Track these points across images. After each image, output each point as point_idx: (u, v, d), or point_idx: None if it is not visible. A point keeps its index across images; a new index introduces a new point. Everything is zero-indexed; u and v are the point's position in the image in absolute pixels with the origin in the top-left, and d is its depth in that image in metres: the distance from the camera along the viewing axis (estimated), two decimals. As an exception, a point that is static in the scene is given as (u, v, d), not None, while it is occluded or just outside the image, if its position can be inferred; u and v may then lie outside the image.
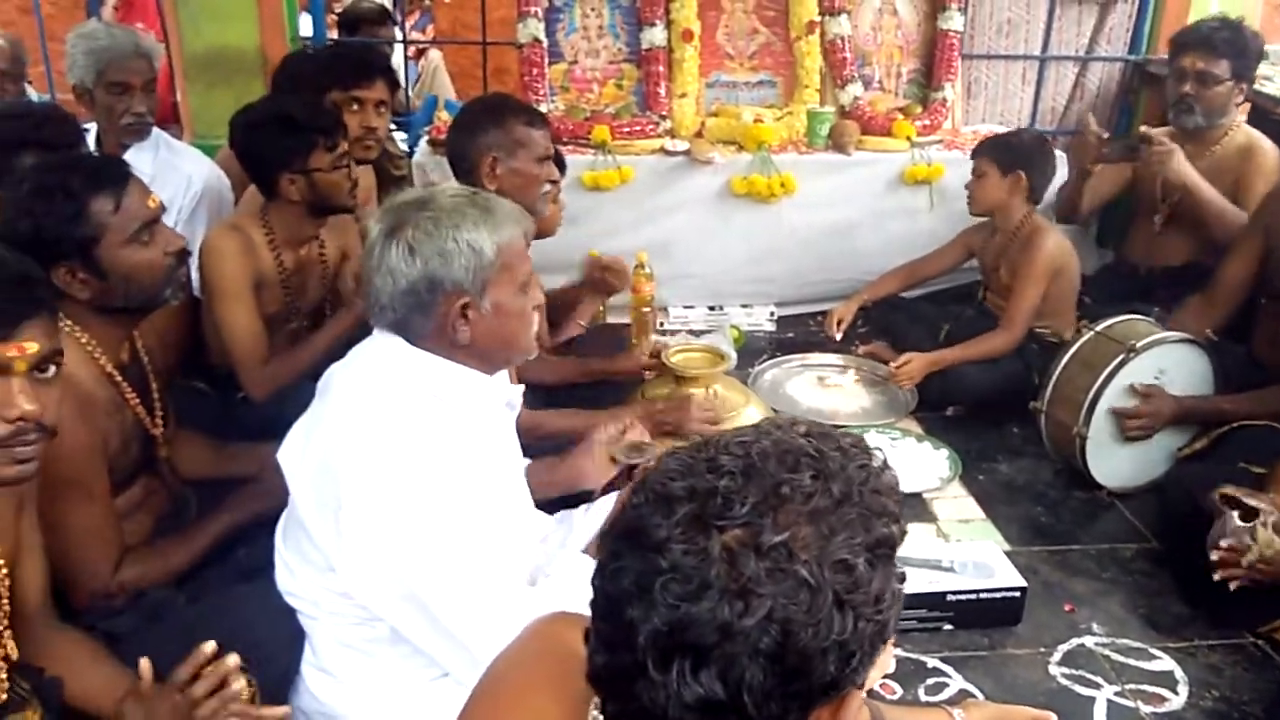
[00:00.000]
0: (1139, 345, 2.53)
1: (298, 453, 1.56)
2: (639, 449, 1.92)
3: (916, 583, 2.11)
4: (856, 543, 0.75)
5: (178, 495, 2.02)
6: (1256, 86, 3.42)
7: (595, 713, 0.87)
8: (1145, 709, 2.01)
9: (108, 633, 1.59)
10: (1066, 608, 2.29)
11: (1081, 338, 2.67)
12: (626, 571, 0.76)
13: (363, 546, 1.43)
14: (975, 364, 3.01)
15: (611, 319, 3.51)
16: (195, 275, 2.35)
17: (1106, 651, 2.16)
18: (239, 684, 1.28)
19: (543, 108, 3.63)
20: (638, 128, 3.64)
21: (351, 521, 1.43)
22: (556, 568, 1.67)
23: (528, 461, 1.87)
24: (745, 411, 2.47)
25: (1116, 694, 2.04)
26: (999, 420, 3.05)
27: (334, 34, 4.63)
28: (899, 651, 2.09)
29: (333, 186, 2.40)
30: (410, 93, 4.54)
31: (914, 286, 3.49)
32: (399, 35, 4.68)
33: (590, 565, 1.63)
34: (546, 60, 3.74)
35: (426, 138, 3.72)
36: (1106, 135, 3.39)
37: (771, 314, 3.78)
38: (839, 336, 3.36)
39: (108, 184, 1.71)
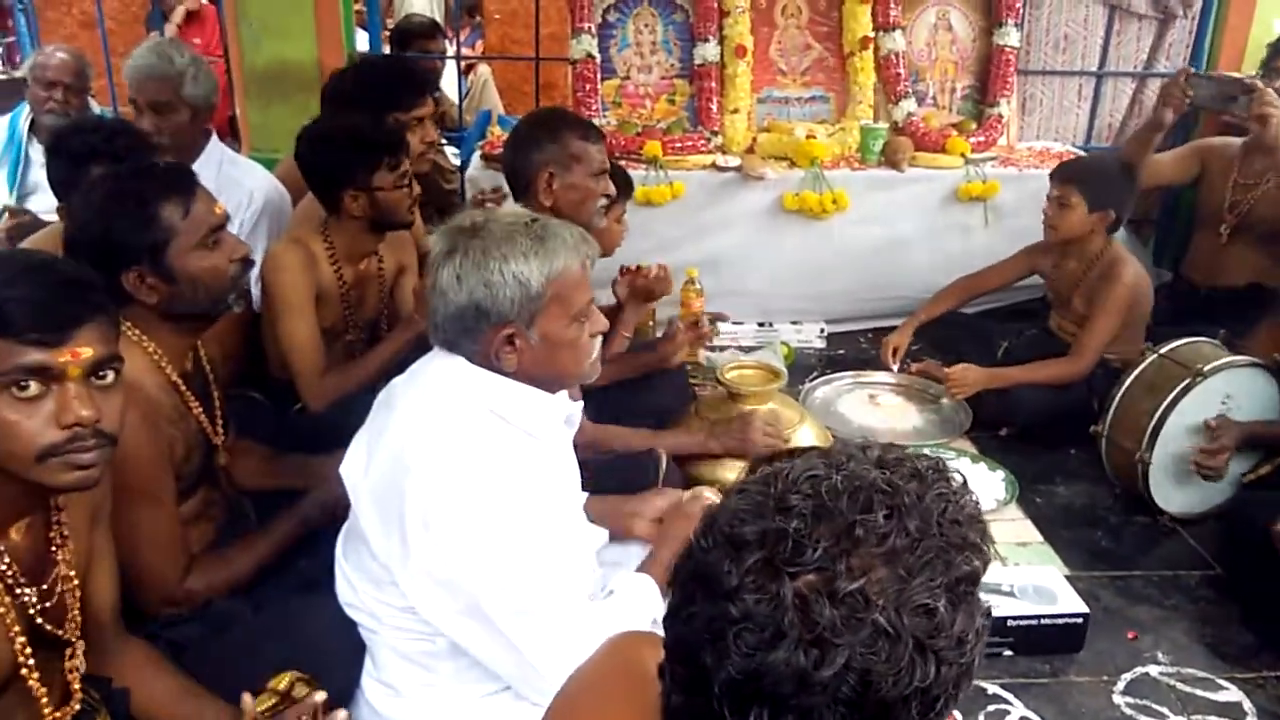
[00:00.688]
0: (1205, 369, 2.48)
1: (359, 467, 1.57)
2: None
3: (976, 607, 2.07)
4: (936, 584, 0.71)
5: (236, 505, 2.04)
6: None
7: None
8: (1213, 741, 1.96)
9: (173, 642, 1.61)
10: (1129, 635, 2.24)
11: (1145, 361, 2.61)
12: (698, 617, 0.74)
13: (425, 561, 1.44)
14: (1035, 389, 2.95)
15: (661, 334, 3.50)
16: (254, 288, 2.38)
17: (1172, 681, 2.11)
18: None
19: (595, 123, 3.65)
20: (689, 143, 3.65)
21: (415, 536, 1.43)
22: (614, 584, 1.67)
23: (585, 495, 1.86)
24: (800, 430, 2.45)
25: (1184, 725, 2.00)
26: (1055, 442, 3.00)
27: (386, 49, 4.68)
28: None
29: (394, 204, 2.42)
30: (462, 108, 4.58)
31: (970, 302, 3.41)
32: (449, 49, 4.73)
33: (645, 583, 1.63)
34: (599, 75, 3.75)
35: (479, 152, 3.74)
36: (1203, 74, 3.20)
37: (821, 331, 3.75)
38: (897, 367, 3.26)
39: (177, 191, 1.74)
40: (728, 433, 2.32)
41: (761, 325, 3.72)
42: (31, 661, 1.30)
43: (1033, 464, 2.91)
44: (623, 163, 3.45)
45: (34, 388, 1.20)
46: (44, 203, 3.05)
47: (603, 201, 2.38)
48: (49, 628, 1.33)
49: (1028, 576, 2.24)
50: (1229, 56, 4.02)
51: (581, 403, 1.69)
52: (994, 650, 2.13)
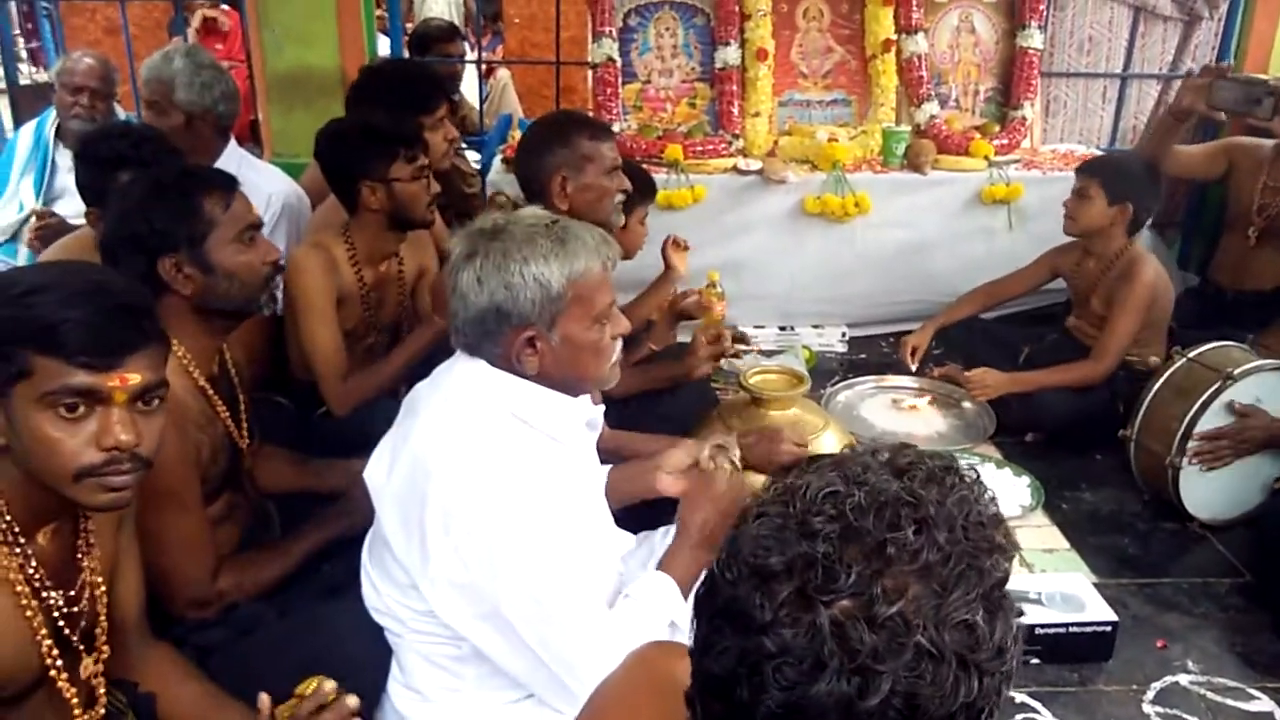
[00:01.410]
0: (1235, 373, 2.45)
1: (383, 471, 1.57)
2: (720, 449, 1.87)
3: (1003, 614, 2.05)
4: (972, 596, 0.70)
5: (260, 508, 2.05)
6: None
7: None
8: (1245, 751, 1.93)
9: (199, 646, 1.61)
10: (1159, 643, 2.21)
11: (1174, 364, 2.58)
12: (730, 653, 0.72)
13: (446, 566, 1.43)
14: (1058, 392, 2.93)
15: (681, 338, 3.48)
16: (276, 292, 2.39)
17: (1202, 690, 2.09)
18: None
19: (615, 127, 3.65)
20: (710, 147, 3.64)
21: (435, 541, 1.43)
22: (634, 588, 1.66)
23: (608, 467, 1.86)
24: (824, 435, 2.43)
25: (1215, 735, 1.97)
26: (1081, 447, 2.98)
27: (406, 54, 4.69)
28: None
29: (411, 198, 2.42)
30: (483, 111, 4.59)
31: (993, 308, 3.39)
32: (470, 53, 4.74)
33: (663, 583, 1.62)
34: (620, 79, 3.75)
35: (500, 156, 3.75)
36: (1228, 72, 3.12)
37: (843, 335, 3.74)
38: (915, 367, 3.26)
39: (219, 187, 1.80)
40: (756, 446, 2.28)
41: (783, 329, 3.71)
42: (60, 664, 1.30)
43: (1058, 469, 2.89)
44: (644, 166, 3.46)
45: (80, 409, 1.22)
46: (70, 207, 3.07)
47: (619, 197, 2.37)
48: (75, 635, 1.33)
49: (1055, 584, 2.22)
50: (1255, 58, 3.98)
51: (603, 407, 1.68)
52: (1022, 659, 2.10)
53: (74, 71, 3.28)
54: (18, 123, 4.27)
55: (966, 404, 3.12)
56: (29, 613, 1.27)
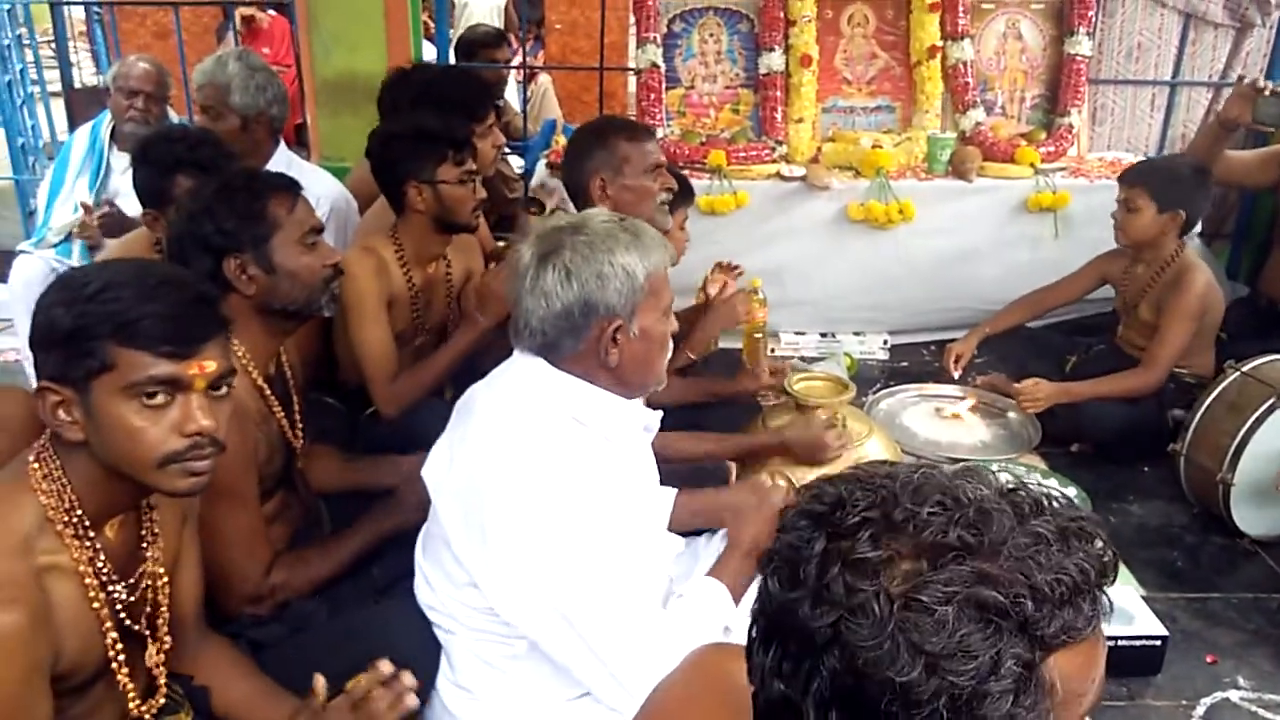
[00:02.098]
0: (1291, 387, 2.41)
1: (442, 469, 1.58)
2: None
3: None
4: (952, 590, 0.69)
5: (311, 507, 2.08)
6: None
7: None
8: (1299, 771, 1.90)
9: (253, 641, 1.64)
10: (1209, 659, 2.18)
11: (1226, 379, 2.54)
12: (766, 556, 0.78)
13: (508, 564, 1.45)
14: (1107, 403, 2.88)
15: (723, 344, 3.49)
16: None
17: (1254, 707, 2.06)
18: (413, 700, 1.29)
19: (659, 132, 3.66)
20: (754, 153, 3.64)
21: (497, 539, 1.45)
22: (688, 590, 1.67)
23: (674, 491, 1.86)
24: (869, 442, 2.42)
25: (1267, 754, 1.94)
26: (1128, 459, 2.94)
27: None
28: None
29: (457, 201, 2.43)
30: (526, 117, 4.62)
31: (1039, 317, 3.34)
32: (513, 59, 4.77)
33: (715, 588, 1.63)
34: (664, 85, 3.76)
35: (545, 160, 3.77)
36: (1270, 91, 3.06)
37: (885, 342, 3.72)
38: (958, 375, 3.21)
39: (284, 190, 1.85)
40: (800, 442, 2.27)
41: (824, 336, 3.70)
42: (122, 656, 1.33)
43: (1105, 481, 2.85)
44: (686, 172, 3.46)
45: (161, 397, 1.26)
46: (125, 208, 3.13)
47: (663, 196, 2.38)
48: (136, 625, 1.37)
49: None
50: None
51: (660, 412, 1.68)
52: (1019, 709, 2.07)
53: (129, 75, 3.35)
54: (73, 125, 4.37)
55: (1011, 413, 3.09)
56: (96, 604, 1.30)
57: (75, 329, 1.22)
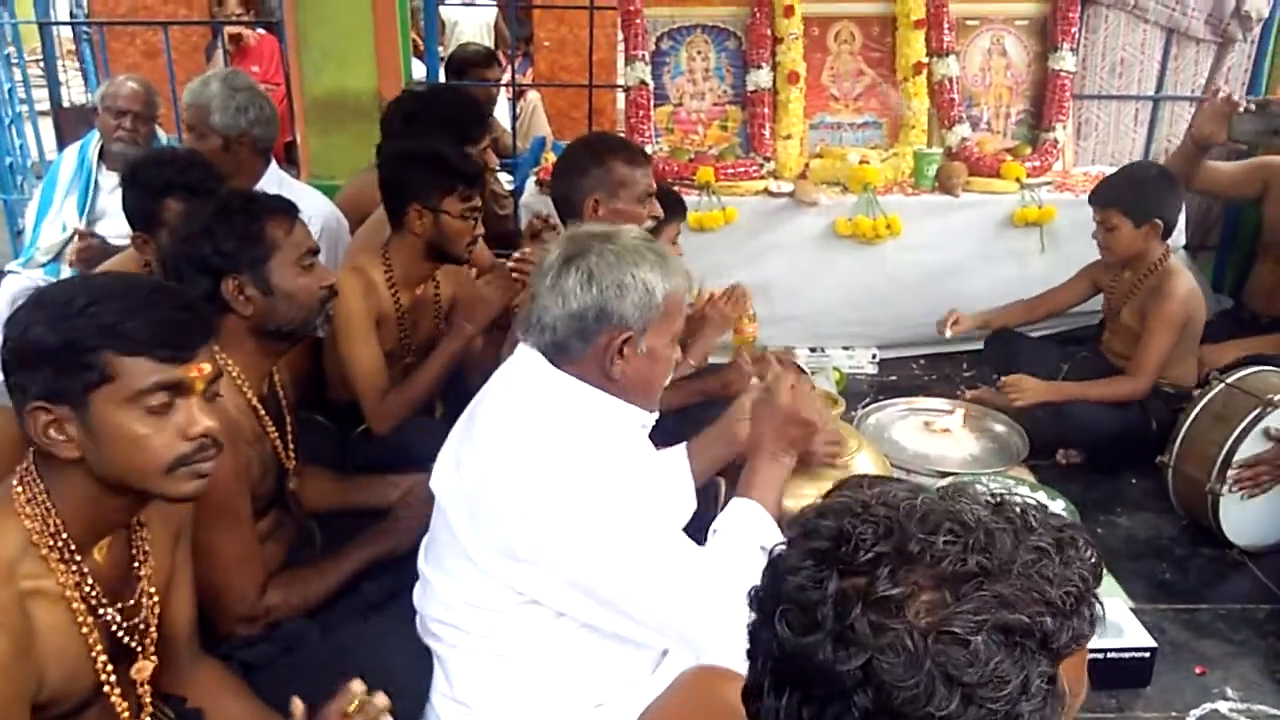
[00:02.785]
0: (1276, 399, 2.43)
1: (450, 474, 1.59)
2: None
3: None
4: (981, 619, 0.70)
5: (304, 527, 2.08)
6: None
7: None
8: (1288, 781, 1.91)
9: (244, 662, 1.64)
10: (1197, 670, 2.19)
11: (1212, 390, 2.56)
12: (763, 595, 0.77)
13: (538, 554, 1.45)
14: (1094, 408, 2.91)
15: (713, 359, 3.50)
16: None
17: (1242, 718, 2.06)
18: None
19: (648, 149, 3.68)
20: (742, 169, 3.66)
21: (521, 532, 1.45)
22: (721, 522, 1.68)
23: (681, 448, 1.90)
24: (858, 457, 2.43)
25: (1256, 764, 1.95)
26: (1115, 470, 2.96)
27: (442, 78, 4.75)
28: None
29: (455, 233, 2.45)
30: (515, 134, 4.63)
31: (1039, 321, 3.38)
32: (503, 77, 4.79)
33: (749, 508, 1.65)
34: (652, 102, 3.79)
35: (534, 178, 3.79)
36: (1244, 108, 3.02)
37: (874, 356, 3.73)
38: (949, 334, 3.28)
39: (282, 213, 1.87)
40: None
41: (813, 350, 3.71)
42: (114, 679, 1.33)
43: (1093, 492, 2.87)
44: (675, 188, 3.48)
45: (163, 403, 1.27)
46: (112, 228, 3.14)
47: (649, 224, 2.40)
48: (130, 643, 1.36)
49: (1093, 609, 2.20)
50: None
51: (656, 414, 1.69)
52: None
53: (117, 95, 3.35)
54: (61, 145, 4.37)
55: (999, 427, 3.09)
56: (85, 629, 1.29)
57: (67, 343, 1.21)
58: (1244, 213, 4.08)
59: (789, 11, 3.74)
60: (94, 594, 1.31)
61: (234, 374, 1.78)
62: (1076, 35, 3.84)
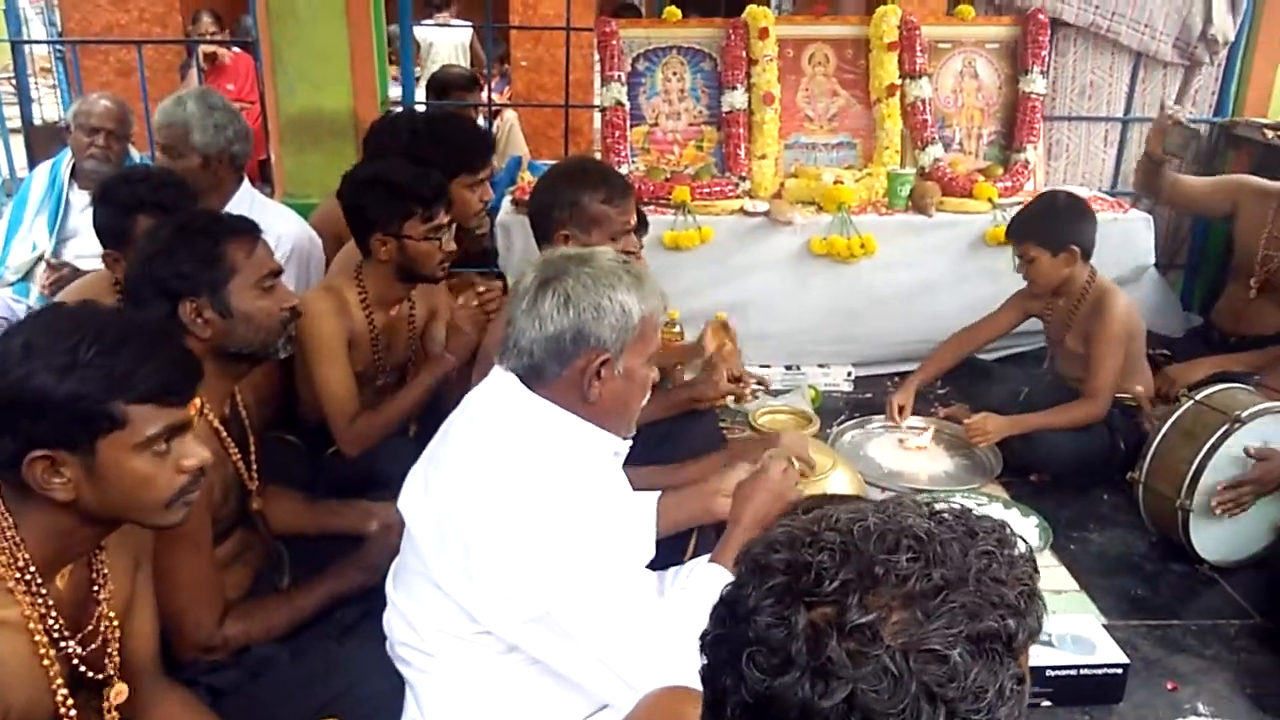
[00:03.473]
0: (1243, 415, 2.45)
1: (418, 496, 1.58)
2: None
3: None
4: (954, 632, 0.71)
5: (271, 549, 2.05)
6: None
7: None
8: (1258, 796, 1.92)
9: (212, 688, 1.62)
10: (1169, 686, 2.20)
11: (1181, 407, 2.59)
12: (721, 640, 0.75)
13: (495, 578, 1.44)
14: (1059, 434, 2.94)
15: (689, 377, 3.50)
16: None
17: (1214, 734, 2.08)
18: None
19: (623, 169, 3.70)
20: (717, 188, 3.68)
21: (481, 554, 1.44)
22: (688, 580, 1.67)
23: (655, 496, 1.88)
24: (834, 475, 2.44)
25: (1227, 780, 1.96)
26: (1086, 487, 2.98)
27: (420, 95, 4.75)
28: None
29: (421, 256, 2.43)
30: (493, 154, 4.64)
31: (970, 354, 3.37)
32: (482, 97, 4.80)
33: (718, 574, 1.64)
34: (628, 122, 3.80)
35: (510, 198, 3.79)
36: (1181, 123, 3.24)
37: (849, 374, 3.75)
38: (905, 424, 3.24)
39: (243, 234, 1.85)
40: (698, 390, 2.30)
41: (789, 368, 3.72)
42: (74, 713, 1.31)
43: (1065, 509, 2.89)
44: (651, 208, 3.50)
45: (167, 443, 1.31)
46: (83, 247, 3.11)
47: (621, 258, 2.39)
48: (90, 673, 1.34)
49: (1065, 626, 2.21)
50: (1254, 102, 4.04)
51: (629, 441, 1.69)
52: (1033, 701, 2.09)
53: (90, 113, 3.33)
54: (32, 163, 4.33)
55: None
56: (45, 660, 1.28)
57: (77, 395, 1.22)
58: (1212, 231, 4.14)
59: (763, 34, 3.78)
60: (56, 626, 1.30)
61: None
62: (1046, 58, 3.89)
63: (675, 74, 3.88)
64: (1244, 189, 3.33)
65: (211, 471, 1.76)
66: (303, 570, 1.99)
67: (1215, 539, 2.57)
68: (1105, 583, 2.58)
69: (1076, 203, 3.05)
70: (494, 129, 5.14)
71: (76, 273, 2.97)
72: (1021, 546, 0.80)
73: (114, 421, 1.25)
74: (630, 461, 2.25)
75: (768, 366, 3.70)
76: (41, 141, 4.77)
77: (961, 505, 0.82)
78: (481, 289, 2.56)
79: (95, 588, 1.38)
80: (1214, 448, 2.47)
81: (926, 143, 3.83)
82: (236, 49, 5.78)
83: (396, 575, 1.64)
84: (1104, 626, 2.27)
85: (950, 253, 3.67)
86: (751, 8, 3.86)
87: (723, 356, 2.82)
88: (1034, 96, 3.87)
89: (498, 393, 1.58)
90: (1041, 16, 3.86)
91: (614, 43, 3.81)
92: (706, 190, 3.65)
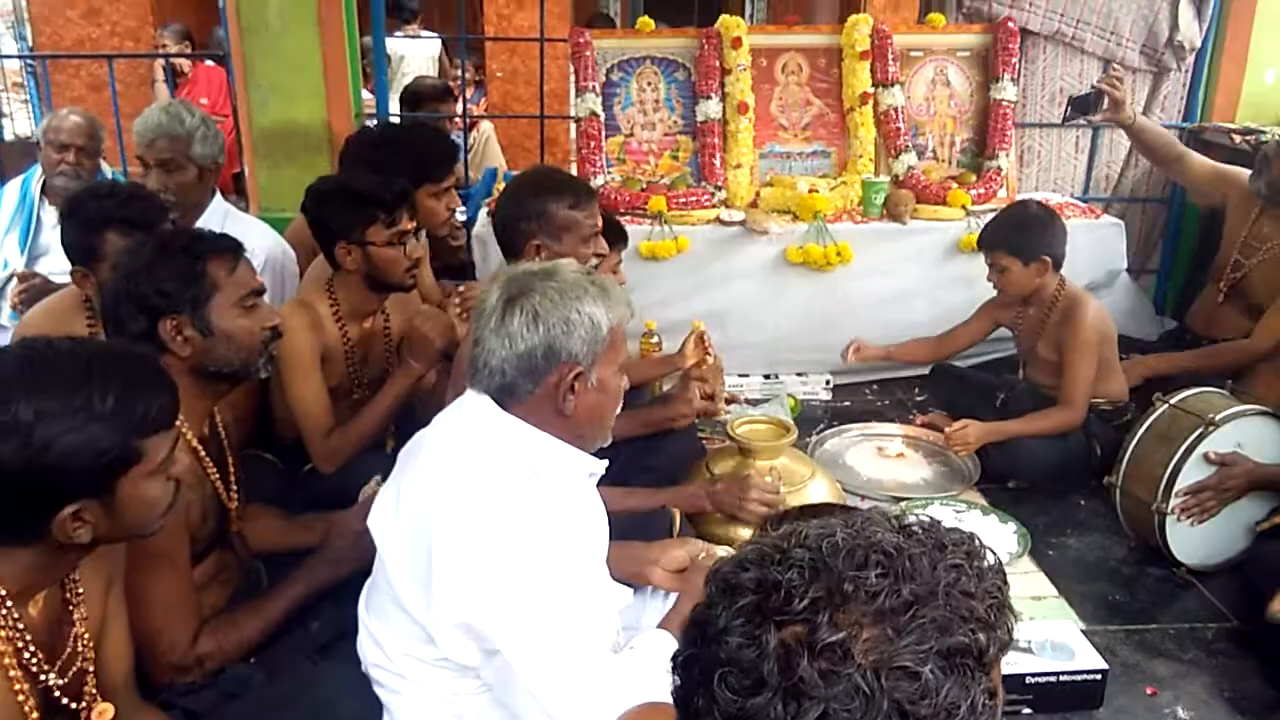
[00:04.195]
0: (1217, 419, 2.47)
1: (389, 516, 1.57)
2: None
3: (994, 664, 2.05)
4: (925, 648, 0.71)
5: (249, 569, 2.04)
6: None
7: None
8: (1238, 798, 1.93)
9: (187, 710, 1.59)
10: (1148, 691, 2.21)
11: (1156, 411, 2.61)
12: (693, 661, 0.75)
13: (451, 605, 1.43)
14: (1036, 440, 2.96)
15: (666, 387, 3.50)
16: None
17: (1193, 738, 2.08)
18: None
19: (599, 179, 3.70)
20: (693, 198, 3.68)
21: (441, 581, 1.43)
22: (638, 641, 1.66)
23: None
24: (812, 484, 2.44)
25: (1207, 783, 1.97)
26: (1063, 492, 3.00)
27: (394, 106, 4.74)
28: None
29: (387, 262, 2.42)
30: (467, 164, 4.62)
31: (940, 360, 3.44)
32: (457, 108, 4.79)
33: (665, 640, 1.62)
34: (604, 133, 3.80)
35: (486, 209, 3.78)
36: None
37: (827, 382, 3.76)
38: (851, 360, 3.34)
39: (225, 252, 1.83)
40: (725, 493, 2.29)
41: (767, 377, 3.73)
42: None
43: (1043, 515, 2.90)
44: (627, 218, 3.50)
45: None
46: (55, 264, 3.07)
47: (593, 262, 2.39)
48: (67, 700, 1.32)
49: (1044, 632, 2.22)
50: (1222, 107, 4.09)
51: (606, 463, 1.68)
52: (1012, 709, 2.10)
53: (60, 129, 3.29)
54: (2, 179, 4.28)
55: (951, 451, 3.14)
56: (16, 685, 1.26)
57: (104, 446, 1.25)
58: (1183, 236, 4.19)
59: (737, 43, 3.79)
60: (34, 659, 1.28)
61: None
62: (1016, 66, 3.91)
63: (650, 84, 3.89)
64: (1237, 186, 3.32)
65: (190, 492, 1.76)
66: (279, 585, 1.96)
67: (1192, 543, 2.58)
68: (1084, 588, 2.59)
69: (1048, 213, 3.07)
70: (470, 140, 5.14)
71: (47, 284, 2.93)
72: (990, 558, 0.80)
73: (135, 458, 1.29)
74: (610, 472, 2.27)
75: (746, 375, 3.71)
76: (13, 157, 4.72)
77: (930, 518, 0.82)
78: (462, 288, 2.55)
79: (70, 608, 1.36)
80: (1189, 451, 2.48)
81: (900, 151, 3.85)
82: (209, 62, 5.75)
83: (368, 597, 1.63)
84: (1083, 632, 2.27)
85: (925, 260, 3.69)
86: (725, 17, 3.88)
87: (703, 373, 2.84)
88: (1005, 104, 3.90)
89: (471, 414, 1.56)
90: (1011, 25, 3.90)
91: (588, 54, 3.81)
92: (682, 200, 3.65)
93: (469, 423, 1.56)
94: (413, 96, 4.62)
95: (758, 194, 3.81)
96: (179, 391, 1.39)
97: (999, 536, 2.72)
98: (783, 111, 3.93)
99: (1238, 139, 3.83)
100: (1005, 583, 0.79)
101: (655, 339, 3.31)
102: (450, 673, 1.49)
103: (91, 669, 1.39)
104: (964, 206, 3.69)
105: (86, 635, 1.38)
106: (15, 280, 3.03)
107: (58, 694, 1.31)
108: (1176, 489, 2.50)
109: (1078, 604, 2.51)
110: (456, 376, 2.21)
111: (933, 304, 3.66)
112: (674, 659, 0.78)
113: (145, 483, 1.31)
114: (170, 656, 1.67)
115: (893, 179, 3.83)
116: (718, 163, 3.79)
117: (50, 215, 3.28)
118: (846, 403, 3.72)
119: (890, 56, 3.86)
